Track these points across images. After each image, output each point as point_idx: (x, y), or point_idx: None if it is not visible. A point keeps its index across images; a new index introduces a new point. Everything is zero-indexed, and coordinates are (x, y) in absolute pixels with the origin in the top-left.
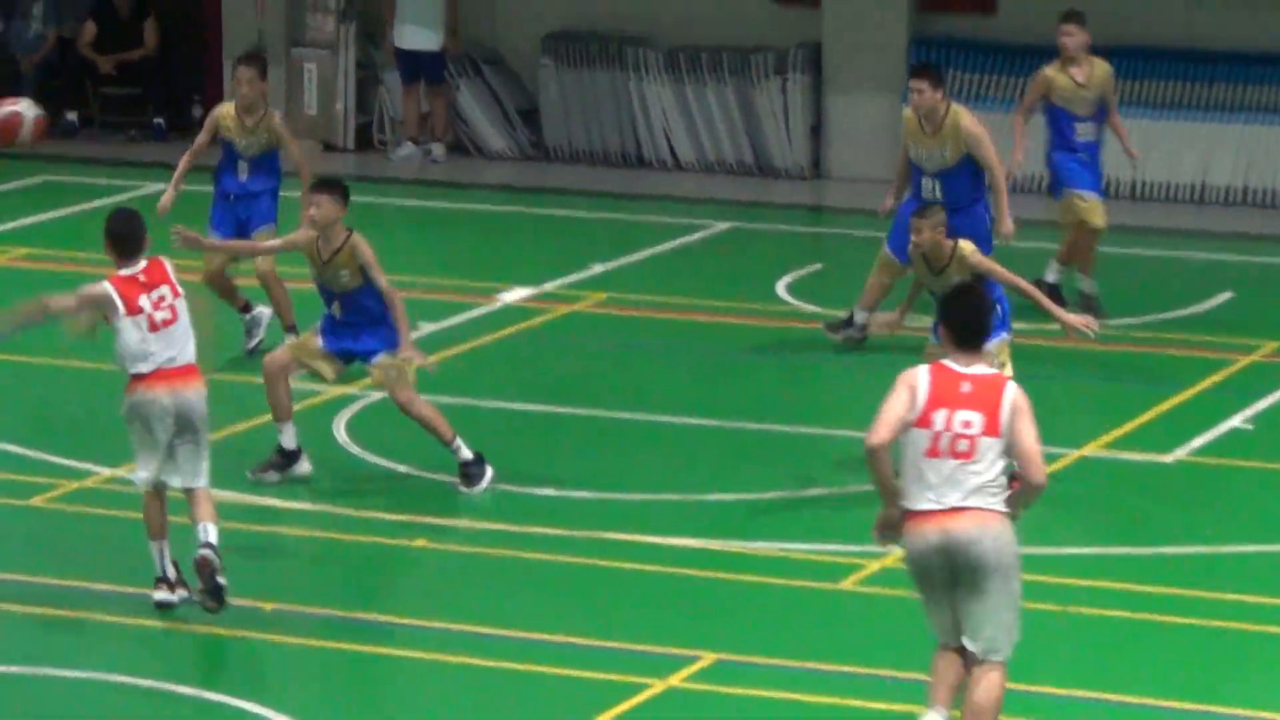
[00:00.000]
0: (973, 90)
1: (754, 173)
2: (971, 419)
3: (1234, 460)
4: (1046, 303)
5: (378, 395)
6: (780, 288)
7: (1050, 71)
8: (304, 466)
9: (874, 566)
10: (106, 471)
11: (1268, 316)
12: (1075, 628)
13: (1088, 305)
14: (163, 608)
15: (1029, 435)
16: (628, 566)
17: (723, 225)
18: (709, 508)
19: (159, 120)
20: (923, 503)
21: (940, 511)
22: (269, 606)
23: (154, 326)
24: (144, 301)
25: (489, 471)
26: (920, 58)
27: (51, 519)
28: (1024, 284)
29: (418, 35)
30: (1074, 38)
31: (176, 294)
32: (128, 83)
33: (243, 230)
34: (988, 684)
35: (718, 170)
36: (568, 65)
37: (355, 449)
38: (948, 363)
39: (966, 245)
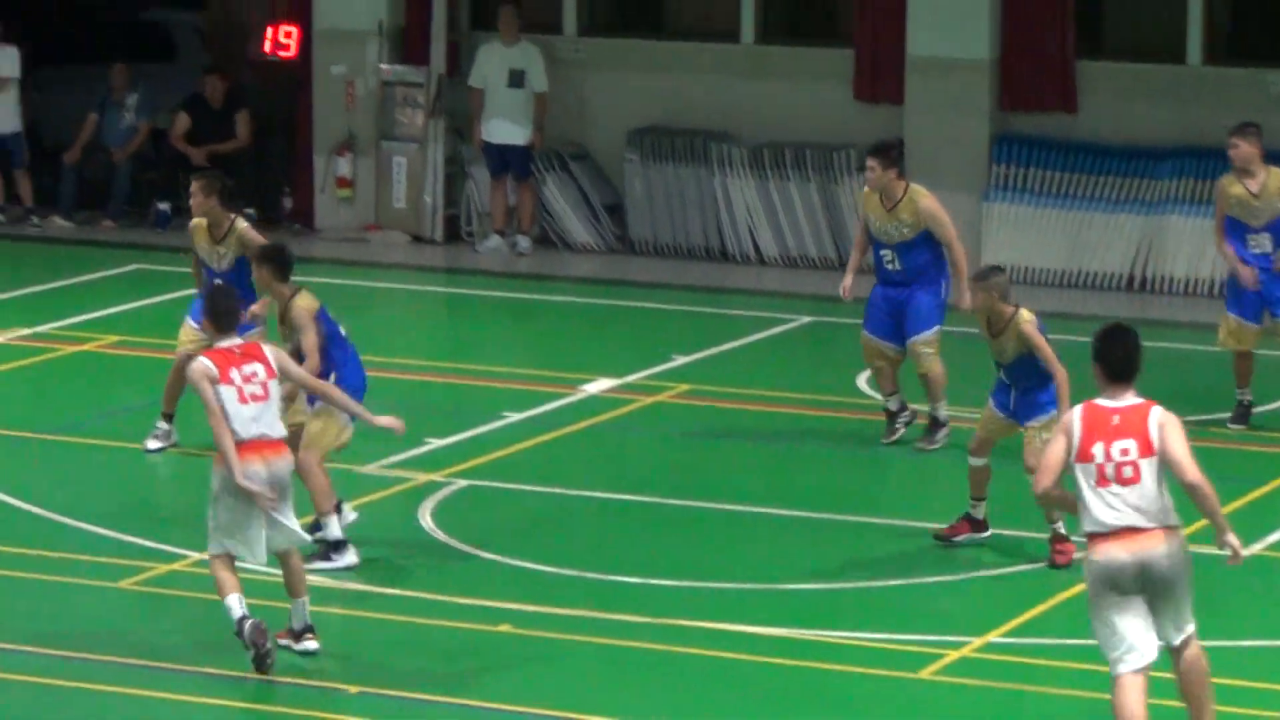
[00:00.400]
0: (1056, 188)
1: (836, 268)
2: (1128, 446)
3: None
4: (1063, 395)
5: (463, 483)
6: (860, 381)
7: (1224, 181)
8: (351, 558)
9: (952, 656)
10: (194, 555)
11: None
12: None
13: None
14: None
15: (1177, 444)
16: (710, 654)
17: (805, 319)
18: (789, 596)
19: (250, 211)
20: (1104, 527)
21: (1125, 531)
22: (354, 689)
23: (243, 399)
24: (234, 374)
25: (349, 558)
26: (1002, 156)
27: (139, 601)
28: (1059, 373)
29: (506, 130)
30: (1238, 150)
31: (271, 375)
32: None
33: None
34: (1197, 651)
35: (800, 265)
36: (653, 160)
37: (440, 535)
38: (1099, 401)
39: (1025, 314)
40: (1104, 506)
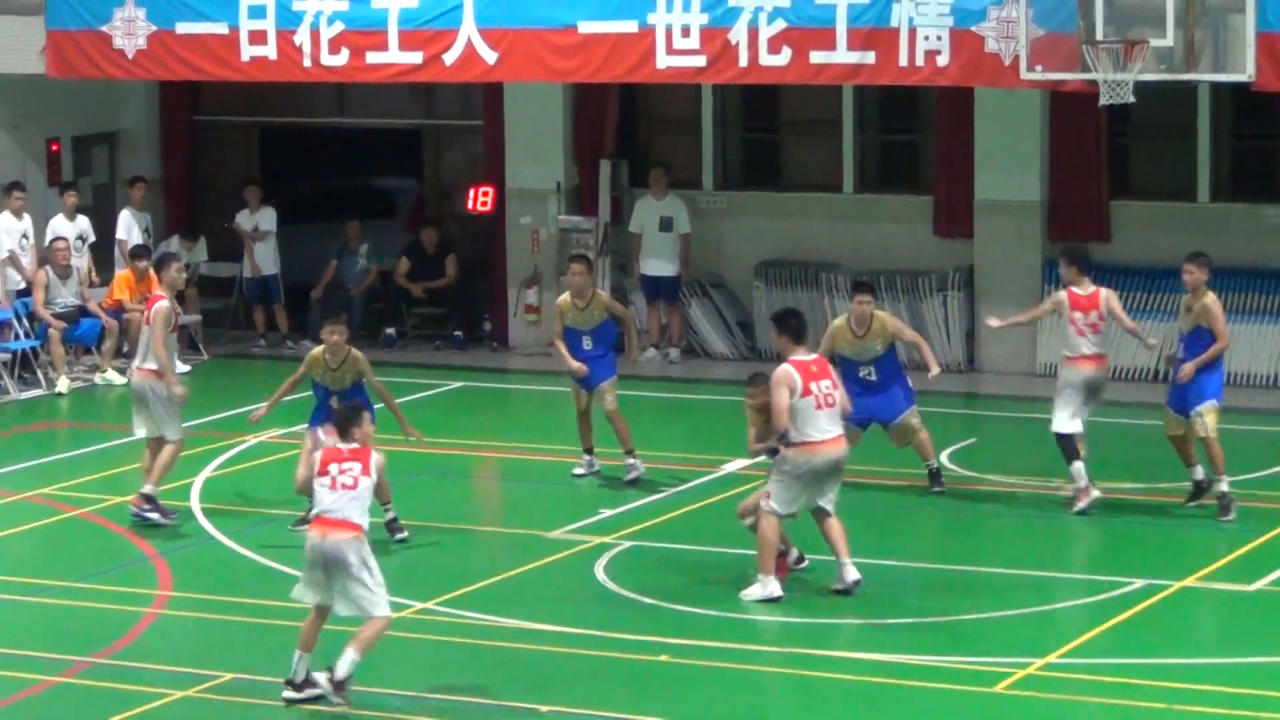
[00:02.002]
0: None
1: (917, 368)
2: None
3: None
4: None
5: (629, 544)
6: (944, 457)
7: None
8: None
9: (1019, 674)
10: (418, 604)
11: None
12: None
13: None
14: (288, 703)
15: None
16: (820, 675)
17: None
18: (888, 629)
19: (458, 334)
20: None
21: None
22: (545, 709)
23: (334, 486)
24: (333, 469)
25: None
26: (1052, 277)
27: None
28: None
29: (659, 265)
30: (1191, 275)
31: (366, 473)
32: (434, 305)
33: None
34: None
35: None
36: (775, 286)
37: (612, 586)
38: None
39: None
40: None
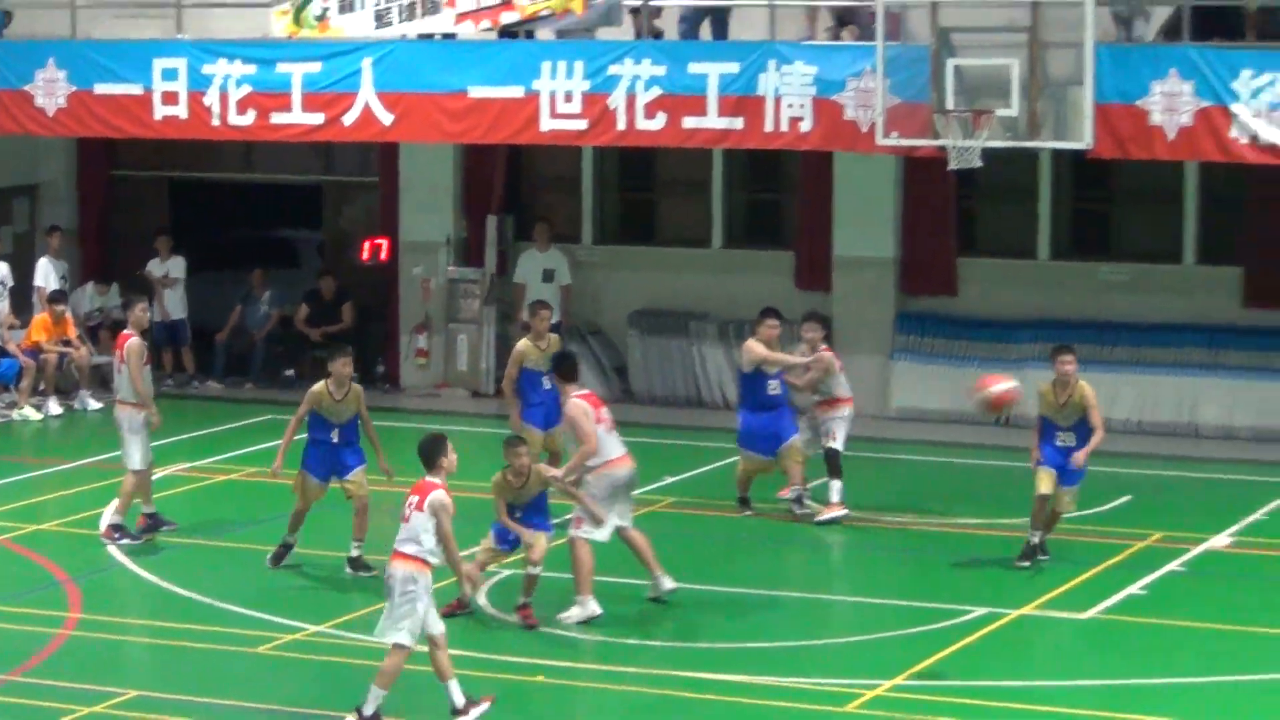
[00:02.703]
0: (943, 351)
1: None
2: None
3: (1132, 617)
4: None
5: (507, 572)
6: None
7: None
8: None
9: (869, 695)
10: (310, 628)
11: (1156, 514)
12: None
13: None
14: None
15: None
16: (683, 695)
17: None
18: (748, 652)
19: (354, 375)
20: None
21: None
22: None
23: (404, 518)
24: (406, 501)
25: None
26: (903, 328)
27: (272, 662)
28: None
29: None
30: (1066, 367)
31: (419, 508)
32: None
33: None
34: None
35: None
36: (649, 334)
37: (492, 610)
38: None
39: None
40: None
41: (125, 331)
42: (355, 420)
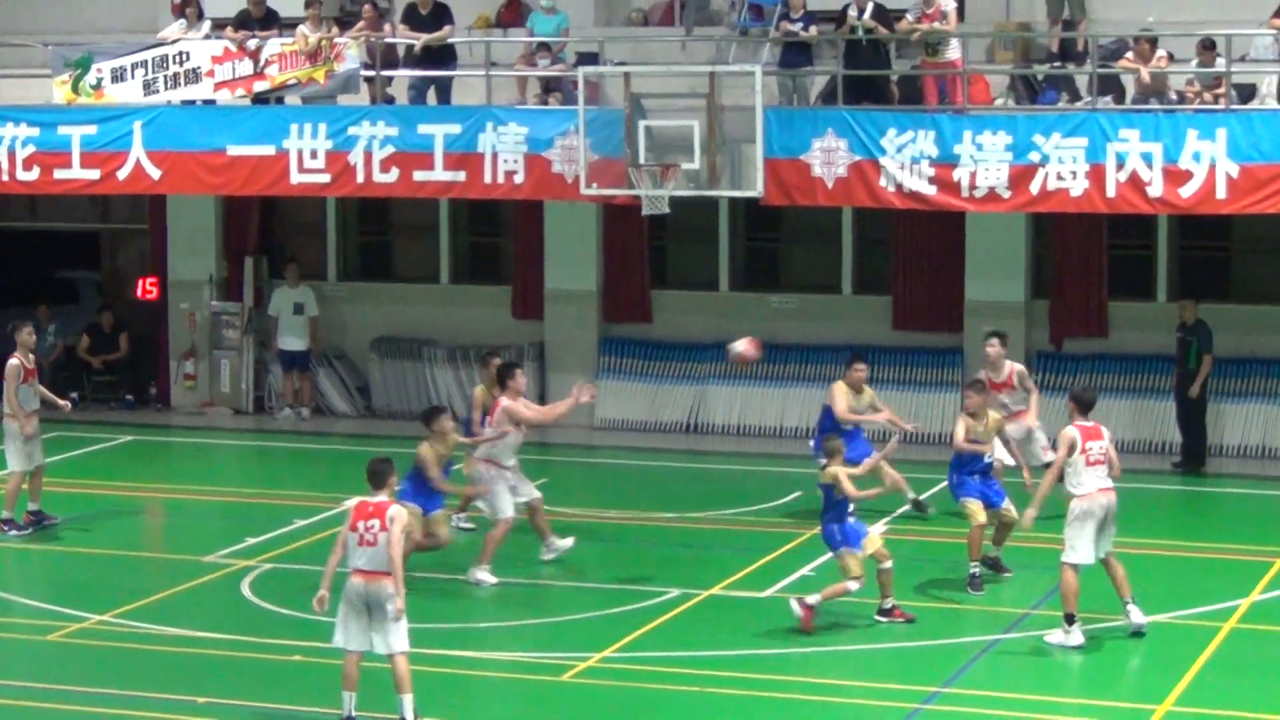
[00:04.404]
0: (641, 371)
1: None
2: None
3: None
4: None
5: (268, 566)
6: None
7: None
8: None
9: (581, 666)
10: (95, 617)
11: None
12: None
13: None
14: None
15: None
16: (428, 670)
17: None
18: (477, 633)
19: (129, 397)
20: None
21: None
22: (202, 700)
23: (361, 542)
24: (360, 525)
25: None
26: (606, 351)
27: (64, 649)
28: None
29: (293, 341)
30: (971, 400)
31: (384, 528)
32: (109, 374)
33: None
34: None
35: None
36: (387, 359)
37: (256, 600)
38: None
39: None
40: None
41: (12, 354)
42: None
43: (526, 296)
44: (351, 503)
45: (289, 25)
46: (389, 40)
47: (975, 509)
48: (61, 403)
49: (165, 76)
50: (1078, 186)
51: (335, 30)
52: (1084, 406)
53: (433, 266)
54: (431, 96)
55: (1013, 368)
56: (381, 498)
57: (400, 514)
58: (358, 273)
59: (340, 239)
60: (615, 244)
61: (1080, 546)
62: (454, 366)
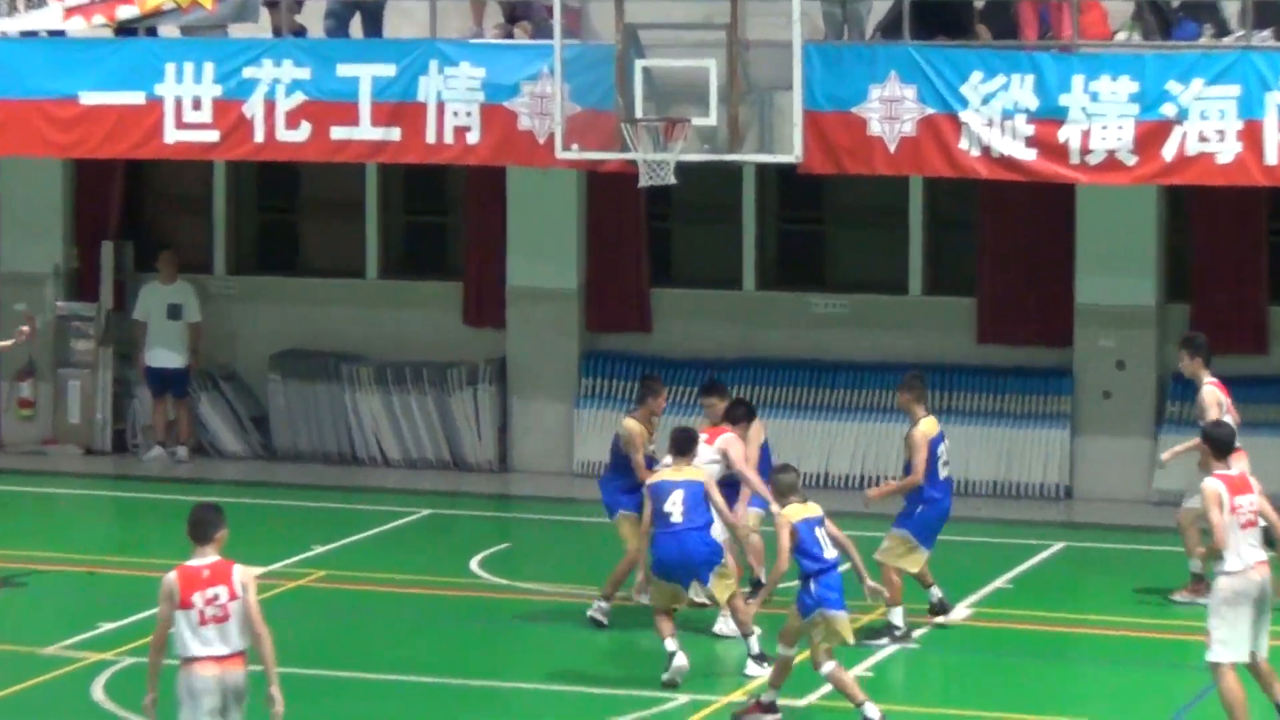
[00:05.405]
0: (635, 396)
1: (450, 467)
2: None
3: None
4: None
5: (130, 661)
6: (474, 564)
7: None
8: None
9: None
10: None
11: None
12: None
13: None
14: None
15: None
16: None
17: (424, 512)
18: None
19: None
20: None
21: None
22: None
23: (203, 620)
24: (196, 599)
25: None
26: (590, 370)
27: None
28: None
29: (166, 355)
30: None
31: (234, 596)
32: None
33: None
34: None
35: (419, 465)
36: (293, 379)
37: (110, 706)
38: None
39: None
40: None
41: None
42: None
43: (482, 297)
44: (170, 576)
45: None
46: None
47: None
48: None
49: None
50: (1227, 151)
51: None
52: (1221, 448)
53: (356, 256)
54: (356, 27)
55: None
56: (212, 557)
57: (250, 575)
58: (255, 264)
59: (232, 219)
60: (603, 227)
61: (1232, 639)
62: (383, 390)
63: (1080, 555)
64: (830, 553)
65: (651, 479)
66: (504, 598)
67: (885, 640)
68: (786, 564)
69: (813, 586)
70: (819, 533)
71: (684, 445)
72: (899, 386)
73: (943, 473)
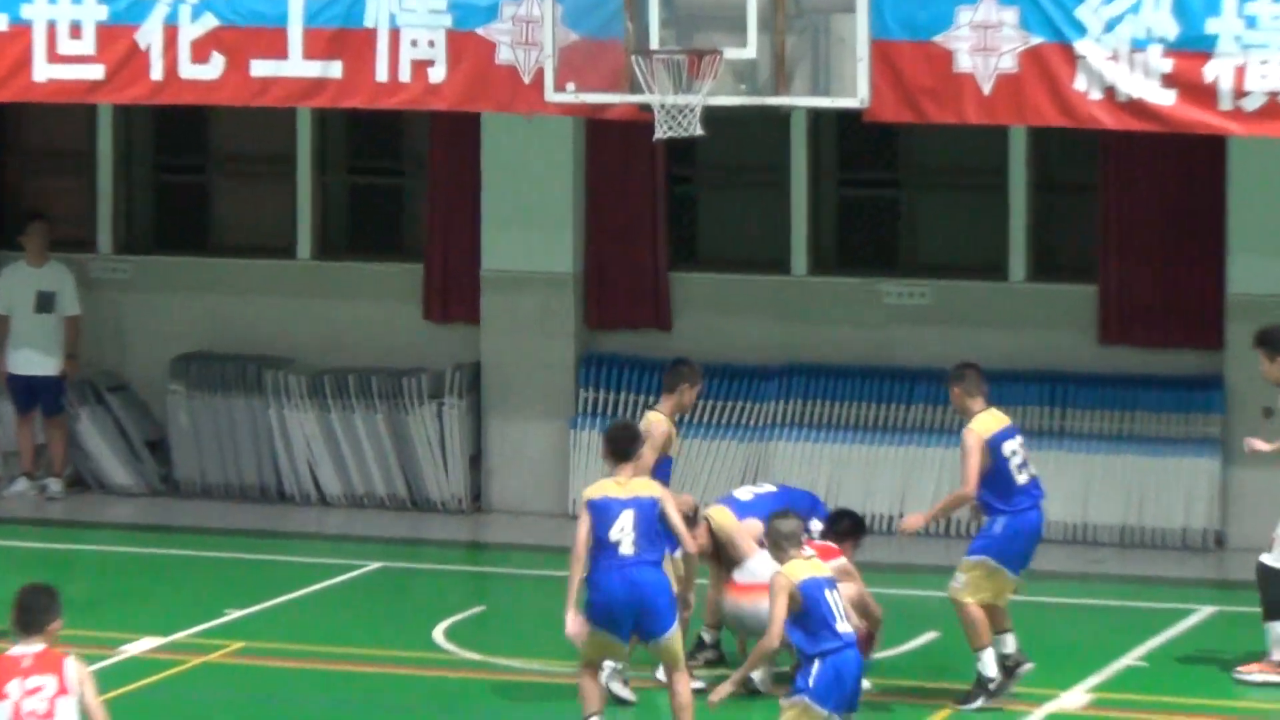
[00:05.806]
0: (641, 412)
1: (408, 507)
2: None
3: None
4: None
5: None
6: (438, 633)
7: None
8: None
9: None
10: None
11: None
12: None
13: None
14: None
15: None
16: None
17: (373, 565)
18: None
19: None
20: None
21: None
22: None
23: (17, 716)
24: (13, 689)
25: None
26: (590, 379)
27: None
28: None
29: (35, 360)
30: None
31: (63, 691)
32: None
33: None
34: None
35: (367, 505)
36: (200, 391)
37: None
38: None
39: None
40: None
41: None
42: None
43: (449, 283)
44: None
45: None
46: None
47: None
48: None
49: None
50: None
51: None
52: None
53: (285, 231)
54: None
55: None
56: (39, 645)
57: (86, 672)
58: (152, 241)
59: (122, 181)
60: (607, 192)
61: None
62: (319, 406)
63: (1235, 621)
64: (844, 626)
65: (590, 493)
66: (476, 677)
67: (980, 699)
68: (779, 639)
69: (814, 669)
70: (830, 596)
71: (624, 448)
72: (948, 378)
73: (1020, 477)
